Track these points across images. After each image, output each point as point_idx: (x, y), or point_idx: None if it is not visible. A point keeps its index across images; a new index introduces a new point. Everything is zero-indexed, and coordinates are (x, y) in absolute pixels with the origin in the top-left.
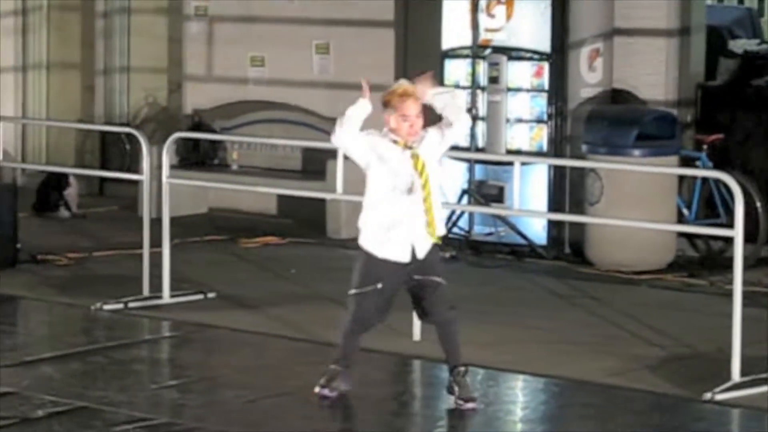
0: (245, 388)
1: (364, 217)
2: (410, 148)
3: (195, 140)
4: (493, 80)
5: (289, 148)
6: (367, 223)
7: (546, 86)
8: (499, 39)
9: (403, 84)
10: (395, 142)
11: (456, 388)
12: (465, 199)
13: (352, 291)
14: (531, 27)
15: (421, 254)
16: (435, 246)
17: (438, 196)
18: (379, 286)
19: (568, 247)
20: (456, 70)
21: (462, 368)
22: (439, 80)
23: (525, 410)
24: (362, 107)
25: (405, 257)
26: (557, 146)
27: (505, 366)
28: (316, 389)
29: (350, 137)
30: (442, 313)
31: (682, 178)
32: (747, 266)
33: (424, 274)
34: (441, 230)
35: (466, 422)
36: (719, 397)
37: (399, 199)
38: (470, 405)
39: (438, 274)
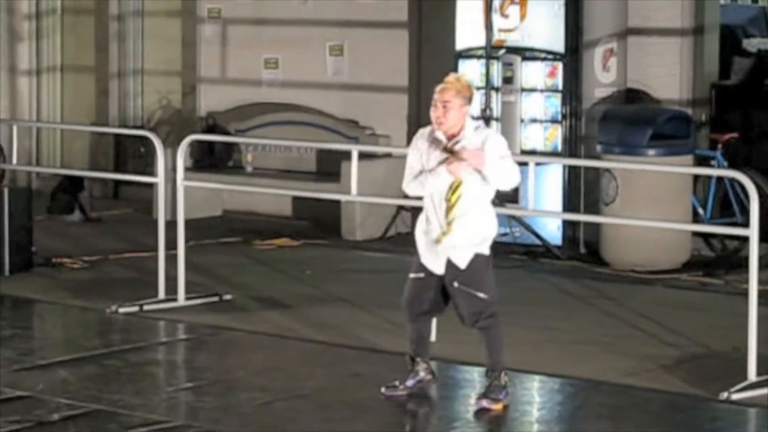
0: (261, 391)
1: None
2: (450, 146)
3: (209, 142)
4: (507, 80)
5: (304, 150)
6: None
7: (560, 86)
8: (513, 39)
9: (450, 75)
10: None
11: (485, 388)
12: None
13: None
14: (545, 27)
15: (462, 264)
16: (478, 256)
17: (474, 205)
18: (421, 275)
19: (583, 247)
20: (470, 70)
21: (491, 372)
22: None
23: (541, 411)
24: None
25: (438, 269)
26: (572, 146)
27: (521, 366)
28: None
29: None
30: (480, 322)
31: (696, 178)
32: (762, 265)
33: (461, 283)
34: (459, 238)
35: (481, 423)
36: (735, 396)
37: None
38: (484, 403)
39: (473, 285)
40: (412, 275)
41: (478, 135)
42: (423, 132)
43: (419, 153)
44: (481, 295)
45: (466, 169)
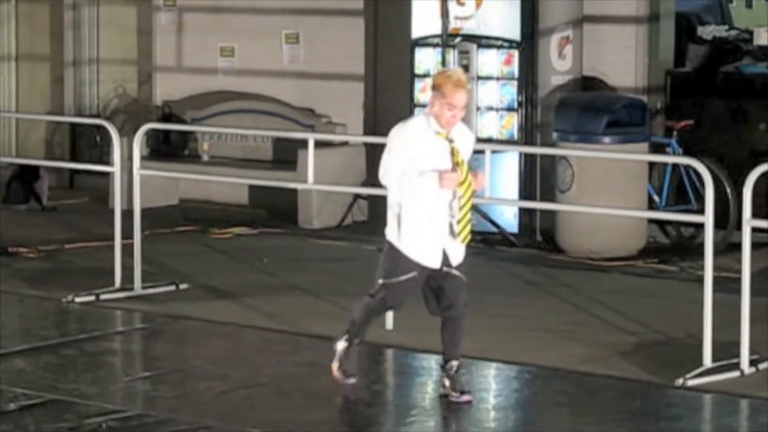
0: (218, 379)
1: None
2: (450, 141)
3: (165, 131)
4: (464, 68)
5: (260, 138)
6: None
7: (516, 74)
8: (469, 27)
9: (458, 72)
10: (438, 133)
11: (448, 382)
12: None
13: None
14: (501, 15)
15: (455, 261)
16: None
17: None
18: (414, 274)
19: (539, 235)
20: (426, 58)
21: (455, 362)
22: (409, 69)
23: (498, 398)
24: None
25: (435, 263)
26: (528, 134)
27: (478, 354)
28: (339, 375)
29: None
30: (457, 310)
31: (652, 165)
32: (717, 252)
33: (449, 266)
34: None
35: (439, 411)
36: (691, 382)
37: (438, 195)
38: (466, 398)
39: (461, 268)
40: (402, 278)
41: (460, 128)
42: (413, 128)
43: (412, 151)
44: (464, 277)
45: (453, 184)
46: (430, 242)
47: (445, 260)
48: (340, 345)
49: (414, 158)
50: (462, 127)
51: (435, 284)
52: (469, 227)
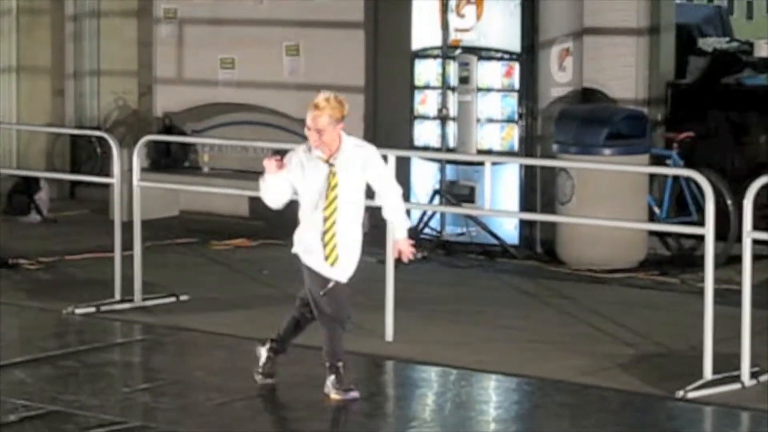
0: (218, 391)
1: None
2: (331, 165)
3: (166, 143)
4: (464, 80)
5: (260, 150)
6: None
7: (516, 86)
8: (469, 39)
9: (320, 96)
10: (319, 158)
11: (334, 380)
12: (436, 199)
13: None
14: (501, 27)
15: (344, 278)
16: None
17: (353, 225)
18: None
19: (539, 247)
20: (426, 70)
21: (339, 363)
22: (410, 80)
23: (498, 410)
24: (271, 184)
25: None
26: (528, 146)
27: (478, 366)
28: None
29: (278, 197)
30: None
31: (653, 177)
32: (718, 264)
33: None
34: (347, 269)
35: (439, 422)
36: (691, 395)
37: (315, 216)
38: (352, 394)
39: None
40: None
41: (358, 152)
42: (295, 154)
43: (292, 176)
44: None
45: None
46: (318, 260)
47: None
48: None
49: (294, 182)
50: (351, 149)
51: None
52: (335, 252)
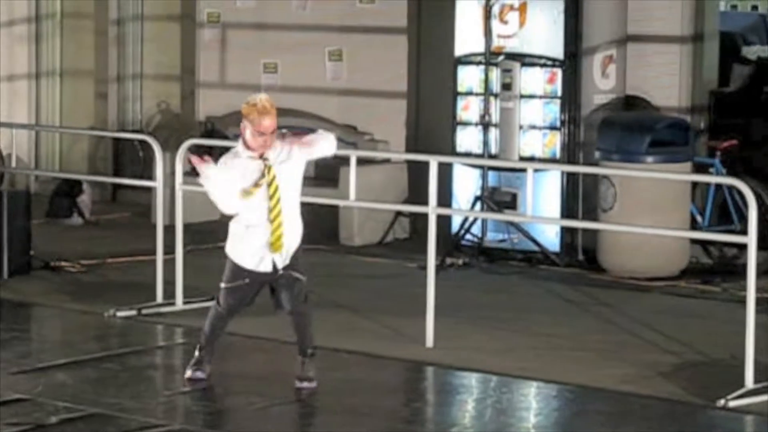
0: (258, 395)
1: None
2: (265, 159)
3: (208, 147)
4: (506, 87)
5: None
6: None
7: (559, 93)
8: (512, 45)
9: (262, 99)
10: (251, 158)
11: (299, 371)
12: (478, 205)
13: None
14: (544, 33)
15: (281, 265)
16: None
17: (293, 211)
18: (247, 281)
19: (581, 254)
20: (469, 76)
21: (309, 350)
22: (452, 87)
23: (538, 417)
24: (214, 181)
25: (265, 268)
26: (570, 153)
27: (519, 373)
28: (188, 374)
29: (231, 203)
30: (297, 306)
31: (695, 185)
32: (760, 273)
33: (284, 268)
34: (285, 258)
35: (479, 428)
36: (732, 403)
37: (256, 210)
38: (306, 384)
39: (297, 268)
40: (236, 283)
41: (283, 143)
42: (230, 155)
43: (234, 175)
44: (303, 277)
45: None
46: (253, 251)
47: (275, 265)
48: (195, 353)
49: (232, 180)
50: (277, 144)
51: (272, 285)
52: (281, 240)
